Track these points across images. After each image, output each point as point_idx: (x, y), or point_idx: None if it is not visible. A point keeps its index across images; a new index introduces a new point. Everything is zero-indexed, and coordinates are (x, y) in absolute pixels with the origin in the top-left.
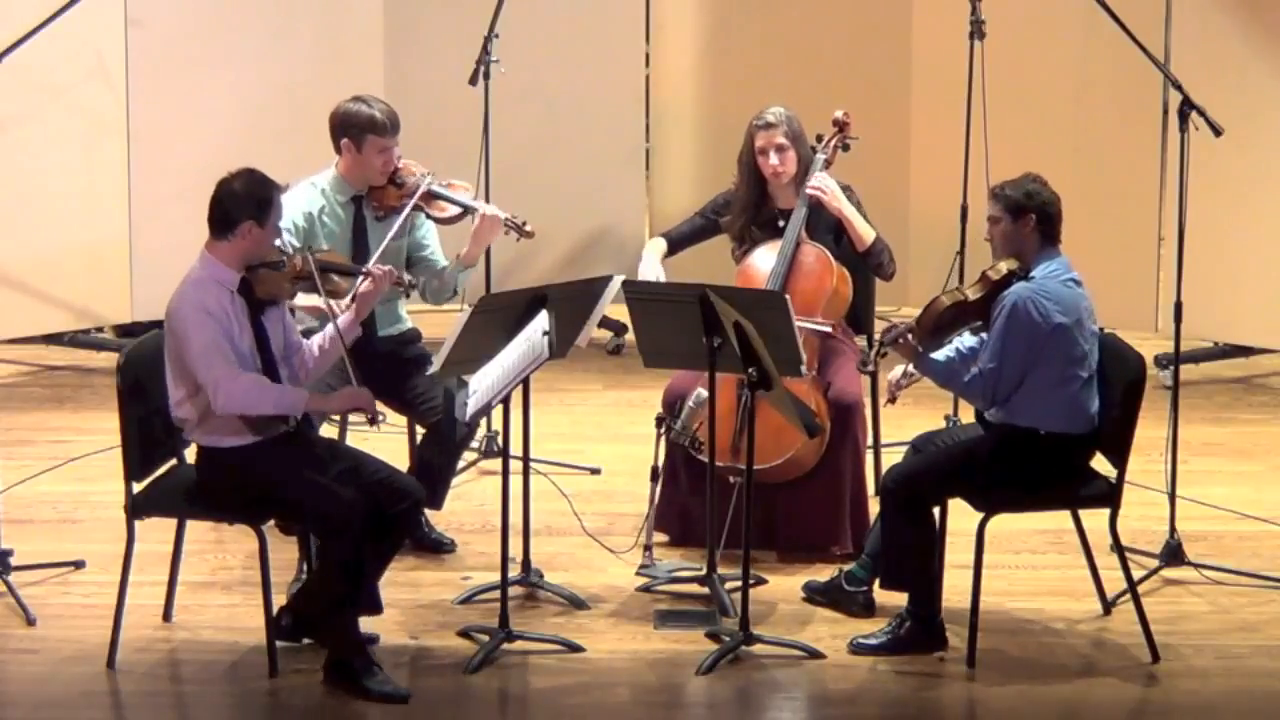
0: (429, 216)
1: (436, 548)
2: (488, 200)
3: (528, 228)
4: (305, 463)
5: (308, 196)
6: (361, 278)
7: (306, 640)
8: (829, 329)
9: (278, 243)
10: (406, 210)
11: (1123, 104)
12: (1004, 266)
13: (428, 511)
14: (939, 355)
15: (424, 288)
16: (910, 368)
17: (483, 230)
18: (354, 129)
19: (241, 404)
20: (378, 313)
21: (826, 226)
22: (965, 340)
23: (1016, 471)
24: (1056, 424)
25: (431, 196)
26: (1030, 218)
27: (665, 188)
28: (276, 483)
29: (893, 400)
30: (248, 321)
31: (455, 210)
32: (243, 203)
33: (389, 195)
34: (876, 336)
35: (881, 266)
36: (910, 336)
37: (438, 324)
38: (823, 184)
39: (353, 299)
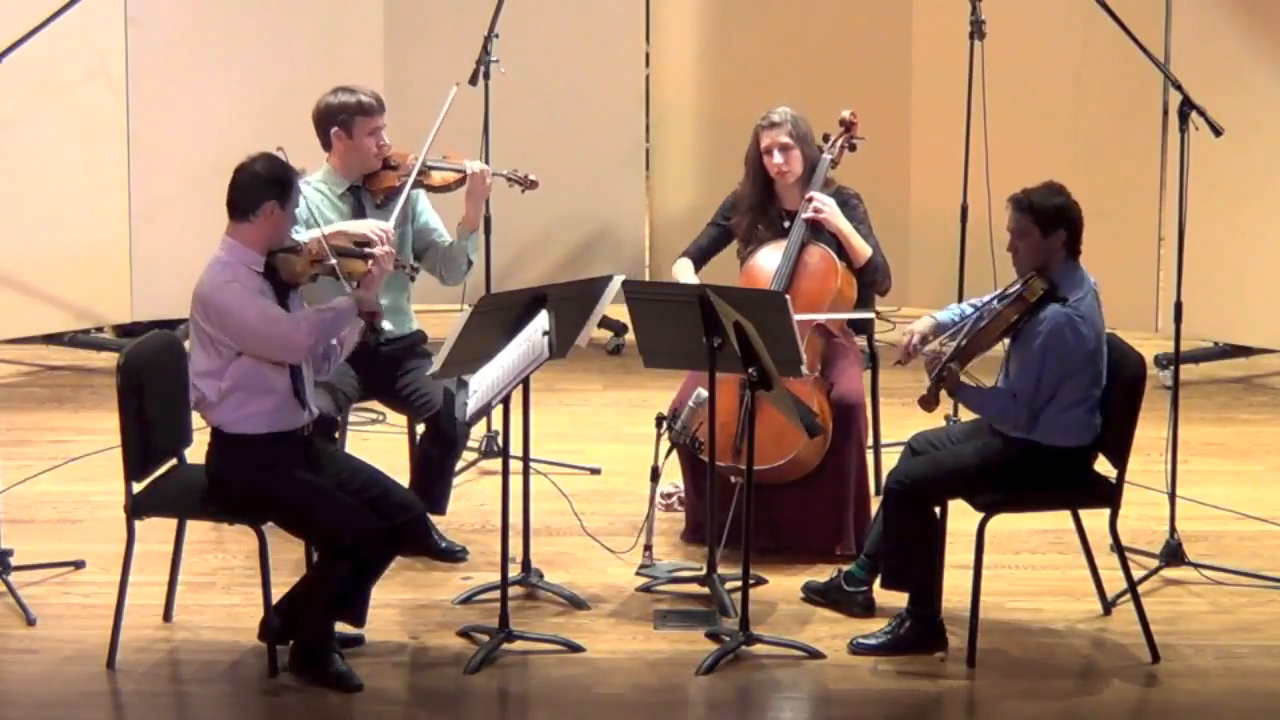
0: (429, 188)
1: (449, 557)
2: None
3: (531, 178)
4: (320, 473)
5: (302, 194)
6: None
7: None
8: (853, 315)
9: (294, 233)
10: (407, 190)
11: (1123, 104)
12: (1038, 287)
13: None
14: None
15: (438, 270)
16: (934, 342)
17: (474, 189)
18: (342, 115)
19: (317, 339)
20: (389, 314)
21: (830, 229)
22: (942, 315)
23: (1022, 480)
24: (1065, 440)
25: (426, 169)
26: (1061, 233)
27: (665, 188)
28: (292, 486)
29: (905, 361)
30: (275, 303)
31: (453, 176)
32: (265, 183)
33: (385, 179)
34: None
35: (876, 284)
36: (955, 365)
37: (438, 324)
38: (820, 204)
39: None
